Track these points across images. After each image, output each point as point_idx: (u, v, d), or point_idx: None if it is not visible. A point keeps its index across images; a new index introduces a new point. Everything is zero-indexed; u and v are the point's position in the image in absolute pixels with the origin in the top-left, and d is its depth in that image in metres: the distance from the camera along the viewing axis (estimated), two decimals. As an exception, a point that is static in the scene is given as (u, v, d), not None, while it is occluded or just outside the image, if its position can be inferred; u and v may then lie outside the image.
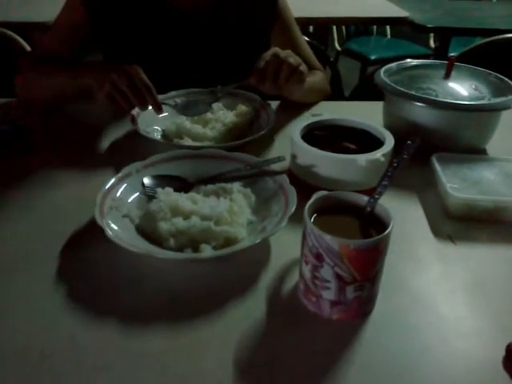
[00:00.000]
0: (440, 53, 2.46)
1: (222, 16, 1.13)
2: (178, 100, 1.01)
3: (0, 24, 1.75)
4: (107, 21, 1.09)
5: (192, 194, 0.71)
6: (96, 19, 1.08)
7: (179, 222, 0.65)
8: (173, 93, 1.05)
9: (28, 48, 1.63)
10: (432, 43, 3.28)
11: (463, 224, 0.73)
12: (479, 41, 1.63)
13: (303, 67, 0.95)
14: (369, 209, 0.55)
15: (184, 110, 0.96)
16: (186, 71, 1.10)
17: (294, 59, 0.93)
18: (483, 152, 0.93)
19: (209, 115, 0.97)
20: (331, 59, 1.69)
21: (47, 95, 1.06)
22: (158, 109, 0.92)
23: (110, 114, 1.04)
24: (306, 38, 1.44)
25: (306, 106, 1.12)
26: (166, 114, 0.97)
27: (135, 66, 0.90)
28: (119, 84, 0.88)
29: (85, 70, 0.97)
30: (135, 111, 0.94)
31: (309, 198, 0.56)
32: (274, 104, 1.09)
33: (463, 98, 0.88)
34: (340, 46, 3.34)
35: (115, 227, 0.63)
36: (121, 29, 1.09)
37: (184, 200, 0.68)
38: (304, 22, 2.23)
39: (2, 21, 1.90)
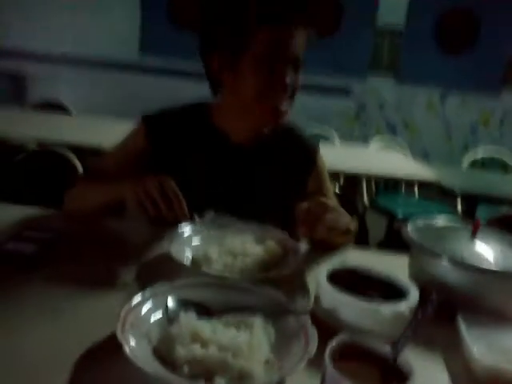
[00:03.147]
0: (467, 217, 2.52)
1: (269, 155, 1.23)
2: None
3: (57, 144, 1.95)
4: (166, 155, 1.19)
5: (213, 323, 0.71)
6: (157, 153, 1.19)
7: (197, 349, 0.64)
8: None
9: (79, 166, 1.79)
10: (459, 207, 3.38)
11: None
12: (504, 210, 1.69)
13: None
14: (391, 359, 0.54)
15: (210, 222, 1.03)
16: (224, 201, 1.16)
17: (341, 223, 0.99)
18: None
19: (238, 248, 1.01)
20: (359, 212, 1.76)
21: (90, 206, 1.14)
22: (184, 217, 0.99)
23: (146, 234, 1.10)
24: (336, 190, 1.54)
25: (333, 250, 1.14)
26: (198, 241, 1.02)
27: (167, 177, 0.99)
28: (151, 192, 0.96)
29: (122, 181, 1.07)
30: (169, 238, 0.99)
31: (329, 342, 0.56)
32: (303, 245, 1.12)
33: (489, 262, 0.89)
34: (368, 199, 3.47)
35: (133, 344, 0.63)
36: (178, 160, 1.19)
37: (204, 327, 0.68)
38: (335, 175, 2.38)
39: (61, 141, 2.11)
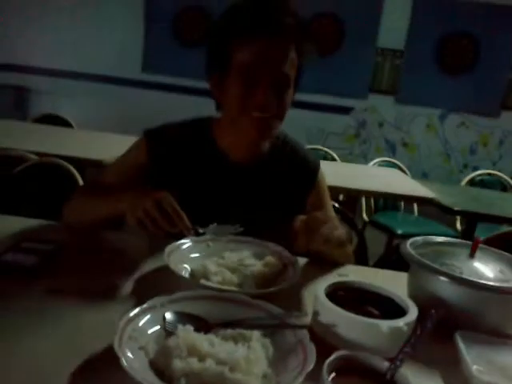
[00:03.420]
0: (466, 236, 2.52)
1: (269, 173, 1.24)
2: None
3: (58, 156, 1.96)
4: (166, 172, 1.20)
5: (210, 336, 0.71)
6: (157, 168, 1.20)
7: (194, 363, 0.64)
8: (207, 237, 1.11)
9: (79, 178, 1.79)
10: (459, 226, 3.38)
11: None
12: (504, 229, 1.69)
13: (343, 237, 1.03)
14: (389, 376, 0.54)
15: (213, 230, 1.04)
16: (223, 218, 1.17)
17: (336, 234, 0.99)
18: (509, 336, 0.90)
19: (237, 262, 1.01)
20: (359, 228, 1.76)
21: (89, 219, 1.15)
22: (187, 230, 0.99)
23: (146, 246, 1.10)
24: (336, 205, 1.54)
25: (332, 265, 1.14)
26: (198, 254, 1.02)
27: (165, 193, 1.00)
28: (151, 211, 0.97)
29: (121, 196, 1.07)
30: (168, 251, 0.99)
31: (327, 357, 0.56)
32: (302, 260, 1.12)
33: (488, 279, 0.89)
34: (368, 216, 3.47)
35: (131, 356, 0.63)
36: (178, 176, 1.20)
37: (202, 340, 0.68)
38: (335, 191, 2.40)
39: (61, 154, 2.13)
